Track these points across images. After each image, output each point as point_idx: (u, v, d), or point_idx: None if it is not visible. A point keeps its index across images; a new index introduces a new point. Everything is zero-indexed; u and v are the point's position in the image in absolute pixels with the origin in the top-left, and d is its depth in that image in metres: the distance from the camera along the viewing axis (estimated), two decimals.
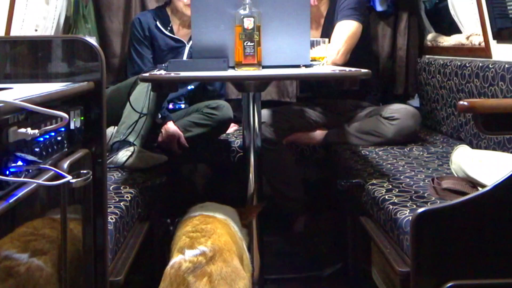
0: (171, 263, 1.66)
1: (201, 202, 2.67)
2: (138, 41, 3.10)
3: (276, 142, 2.87)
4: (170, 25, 3.12)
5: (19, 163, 1.13)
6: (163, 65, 2.27)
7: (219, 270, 1.57)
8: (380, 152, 2.67)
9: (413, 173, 2.25)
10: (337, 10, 2.94)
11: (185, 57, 3.08)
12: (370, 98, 3.11)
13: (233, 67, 2.16)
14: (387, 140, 2.82)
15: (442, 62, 3.07)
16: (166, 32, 3.10)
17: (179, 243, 1.73)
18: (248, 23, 2.09)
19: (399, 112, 2.86)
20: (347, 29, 2.85)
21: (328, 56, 2.57)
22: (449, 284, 1.56)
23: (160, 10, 3.16)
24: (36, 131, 1.15)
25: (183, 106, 3.13)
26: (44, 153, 1.26)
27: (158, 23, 3.10)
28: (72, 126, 1.46)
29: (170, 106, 3.08)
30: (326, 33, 2.89)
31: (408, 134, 2.85)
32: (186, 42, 3.11)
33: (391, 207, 1.88)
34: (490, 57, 2.71)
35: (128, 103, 2.59)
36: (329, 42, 2.68)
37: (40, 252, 1.22)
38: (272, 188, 2.88)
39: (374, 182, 2.15)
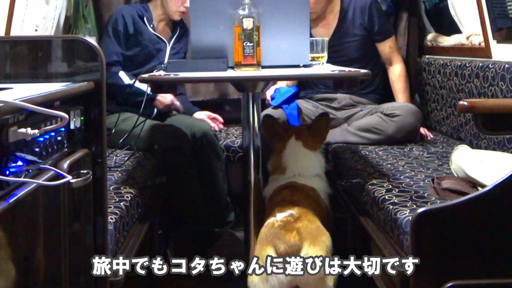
0: (265, 224, 1.97)
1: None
2: (114, 32, 2.95)
3: None
4: (153, 23, 3.01)
5: (19, 163, 1.13)
6: (162, 65, 2.27)
7: (305, 226, 1.89)
8: (380, 152, 2.66)
9: (413, 173, 2.25)
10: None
11: (166, 57, 2.99)
12: (371, 97, 3.11)
13: (232, 68, 2.16)
14: (387, 138, 2.81)
15: (442, 62, 3.07)
16: (150, 29, 2.99)
17: (270, 211, 2.05)
18: (247, 23, 2.09)
19: (400, 109, 2.85)
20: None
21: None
22: (449, 284, 1.56)
23: (143, 7, 3.03)
24: (36, 131, 1.15)
25: None
26: (44, 153, 1.26)
27: (145, 19, 2.98)
28: (72, 126, 1.46)
29: None
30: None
31: (409, 131, 2.84)
32: (167, 42, 3.03)
33: (391, 207, 1.87)
34: (490, 57, 2.71)
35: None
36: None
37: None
38: None
39: (374, 182, 2.15)
